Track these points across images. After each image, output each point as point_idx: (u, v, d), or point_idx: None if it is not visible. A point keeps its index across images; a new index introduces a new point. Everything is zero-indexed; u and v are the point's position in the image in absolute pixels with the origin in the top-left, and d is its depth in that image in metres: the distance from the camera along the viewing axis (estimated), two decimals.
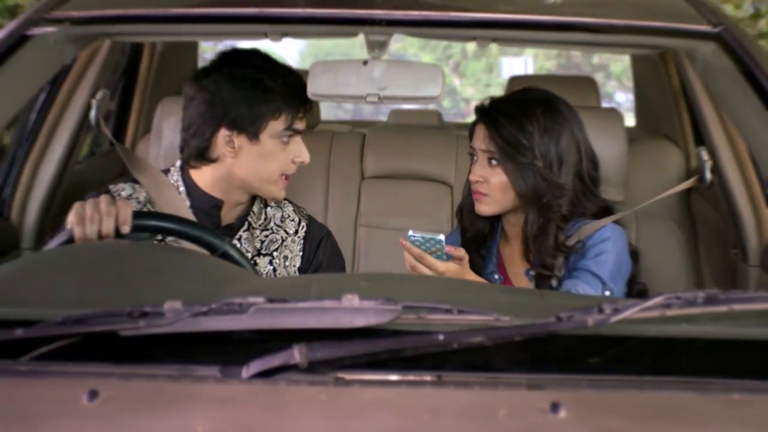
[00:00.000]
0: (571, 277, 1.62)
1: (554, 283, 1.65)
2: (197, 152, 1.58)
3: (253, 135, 1.54)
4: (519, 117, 1.64)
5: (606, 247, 1.63)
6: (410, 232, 1.51)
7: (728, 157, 1.96)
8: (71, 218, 1.35)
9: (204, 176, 1.61)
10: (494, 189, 1.67)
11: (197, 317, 0.84)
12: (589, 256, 1.62)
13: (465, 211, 1.80)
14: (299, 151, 1.58)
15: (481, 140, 1.68)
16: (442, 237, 1.49)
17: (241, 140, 1.55)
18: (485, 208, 1.69)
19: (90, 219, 1.33)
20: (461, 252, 1.55)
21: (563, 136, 1.66)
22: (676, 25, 1.47)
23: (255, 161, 1.56)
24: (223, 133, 1.55)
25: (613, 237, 1.64)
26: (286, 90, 1.53)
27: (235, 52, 1.62)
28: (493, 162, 1.66)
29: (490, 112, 1.68)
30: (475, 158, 1.71)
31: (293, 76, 1.56)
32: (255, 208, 1.67)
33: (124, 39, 2.14)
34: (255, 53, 1.61)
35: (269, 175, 1.57)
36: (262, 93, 1.53)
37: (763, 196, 1.92)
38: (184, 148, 1.61)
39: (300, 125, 1.57)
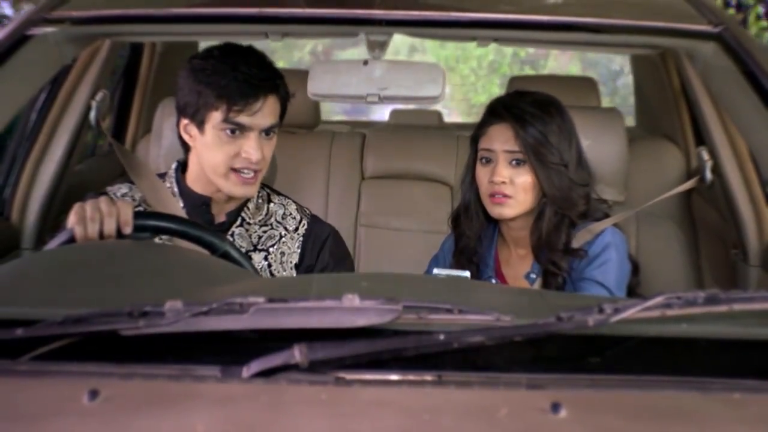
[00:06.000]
0: (578, 288, 1.62)
1: (559, 280, 1.64)
2: (180, 139, 1.64)
3: (200, 124, 1.56)
4: (542, 117, 1.62)
5: (610, 255, 1.62)
6: (435, 270, 1.50)
7: (728, 157, 1.96)
8: (72, 218, 1.35)
9: (190, 170, 1.64)
10: (519, 190, 1.63)
11: (198, 317, 0.84)
12: (595, 265, 1.61)
13: (463, 216, 1.76)
14: (248, 146, 1.54)
15: (504, 141, 1.64)
16: (467, 274, 1.49)
17: (193, 129, 1.59)
18: (509, 210, 1.65)
19: (91, 219, 1.33)
20: None
21: (572, 136, 1.66)
22: (676, 25, 1.47)
23: (203, 151, 1.58)
24: (182, 121, 1.60)
25: (615, 242, 1.64)
26: (225, 83, 1.52)
27: (217, 46, 1.62)
28: (515, 162, 1.63)
29: (515, 112, 1.64)
30: (490, 160, 1.66)
31: (242, 72, 1.53)
32: (250, 204, 1.68)
33: (124, 39, 2.14)
34: (228, 47, 1.60)
35: (216, 166, 1.57)
36: (205, 85, 1.53)
37: (763, 196, 1.92)
38: None
39: (243, 119, 1.53)
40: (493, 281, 1.74)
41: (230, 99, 1.51)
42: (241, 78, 1.52)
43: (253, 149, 1.54)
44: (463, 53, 12.12)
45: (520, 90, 1.73)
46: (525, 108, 1.64)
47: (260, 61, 1.58)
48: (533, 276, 1.69)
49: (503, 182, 1.63)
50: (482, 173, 1.67)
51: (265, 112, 1.54)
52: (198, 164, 1.61)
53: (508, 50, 11.67)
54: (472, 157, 1.73)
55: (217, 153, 1.56)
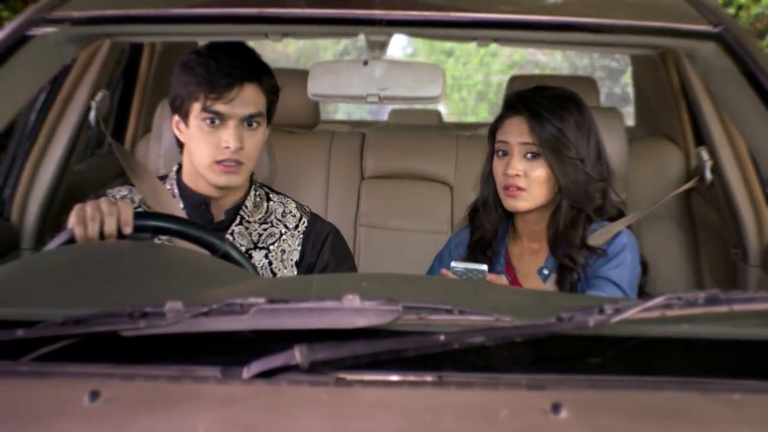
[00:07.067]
0: (591, 285, 1.62)
1: (575, 276, 1.64)
2: (176, 138, 1.66)
3: (185, 117, 1.59)
4: (559, 111, 1.63)
5: (626, 256, 1.64)
6: (453, 264, 1.49)
7: (728, 157, 1.96)
8: (72, 219, 1.35)
9: (184, 168, 1.66)
10: (533, 183, 1.64)
11: (198, 318, 0.84)
12: (611, 265, 1.63)
13: (482, 209, 1.77)
14: (227, 135, 1.55)
15: (519, 134, 1.65)
16: (485, 267, 1.48)
17: (181, 124, 1.61)
18: (523, 203, 1.66)
19: (91, 219, 1.33)
20: (503, 280, 1.55)
21: (591, 132, 1.67)
22: (676, 25, 1.47)
23: (190, 145, 1.61)
24: (174, 118, 1.63)
25: (630, 244, 1.66)
26: (203, 72, 1.55)
27: (208, 44, 1.65)
28: (530, 156, 1.64)
29: (530, 106, 1.65)
30: (506, 153, 1.68)
31: (221, 63, 1.55)
32: (248, 202, 1.68)
33: (124, 39, 2.14)
34: (216, 43, 1.62)
35: (201, 159, 1.58)
36: (189, 77, 1.56)
37: (763, 196, 1.92)
38: None
39: (219, 107, 1.55)
40: (503, 276, 1.74)
41: (207, 87, 1.54)
42: (221, 68, 1.55)
43: (231, 138, 1.55)
44: (456, 83, 12.61)
45: (541, 85, 1.74)
46: (542, 102, 1.65)
47: (243, 52, 1.60)
48: (546, 272, 1.70)
49: (517, 175, 1.64)
50: (498, 166, 1.69)
51: (242, 100, 1.56)
52: (189, 161, 1.63)
53: (494, 80, 12.17)
54: (490, 150, 1.75)
55: (200, 144, 1.57)
